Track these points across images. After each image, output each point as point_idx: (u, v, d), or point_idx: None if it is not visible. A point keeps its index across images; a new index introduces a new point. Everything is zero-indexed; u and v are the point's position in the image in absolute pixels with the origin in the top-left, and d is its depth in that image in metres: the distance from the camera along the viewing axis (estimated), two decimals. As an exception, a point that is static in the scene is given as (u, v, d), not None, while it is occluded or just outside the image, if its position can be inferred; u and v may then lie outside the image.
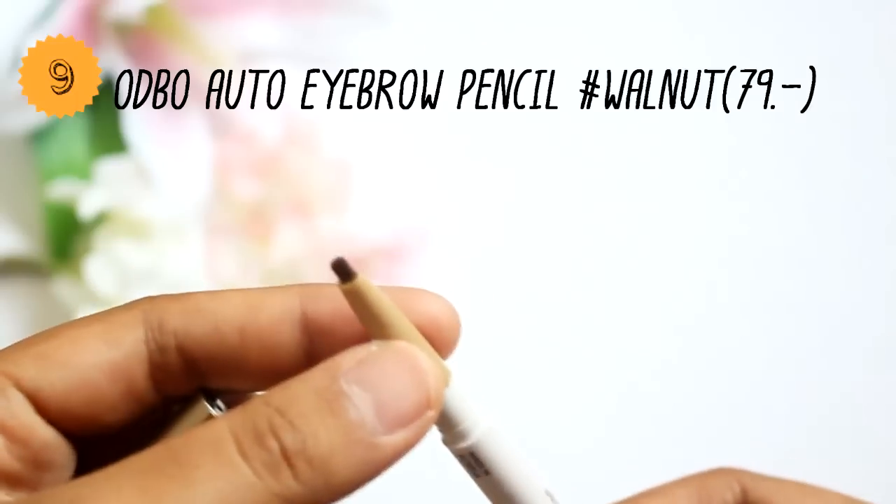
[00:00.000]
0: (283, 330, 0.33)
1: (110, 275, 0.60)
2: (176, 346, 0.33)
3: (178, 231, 0.61)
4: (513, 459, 0.33)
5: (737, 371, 0.65)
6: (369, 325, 0.31)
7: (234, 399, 0.35)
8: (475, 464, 0.33)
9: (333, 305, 0.34)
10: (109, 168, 0.62)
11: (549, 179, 0.69)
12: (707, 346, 0.66)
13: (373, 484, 0.31)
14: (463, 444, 0.32)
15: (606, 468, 0.63)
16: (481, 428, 0.32)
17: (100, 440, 0.34)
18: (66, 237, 0.63)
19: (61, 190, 0.62)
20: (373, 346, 0.31)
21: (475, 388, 0.62)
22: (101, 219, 0.61)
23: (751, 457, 0.63)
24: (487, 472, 0.33)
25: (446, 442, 0.33)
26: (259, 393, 0.33)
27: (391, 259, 0.64)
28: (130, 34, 0.65)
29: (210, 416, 0.34)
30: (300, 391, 0.30)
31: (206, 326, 0.33)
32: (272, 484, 0.29)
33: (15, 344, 0.33)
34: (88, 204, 0.60)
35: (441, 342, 0.34)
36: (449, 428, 0.32)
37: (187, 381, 0.34)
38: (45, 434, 0.33)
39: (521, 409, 0.64)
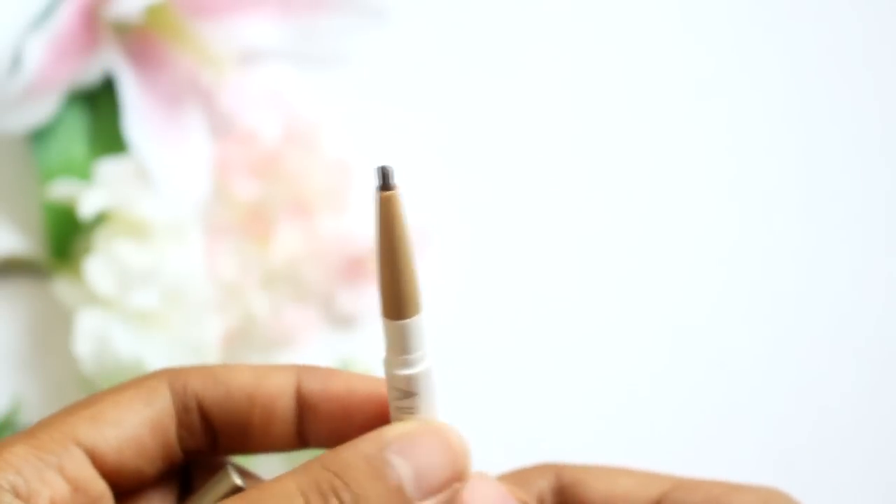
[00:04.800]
0: (282, 399, 0.39)
1: (110, 275, 0.60)
2: (197, 407, 0.39)
3: (178, 231, 0.61)
4: (433, 405, 0.38)
5: (735, 371, 0.65)
6: (383, 238, 0.35)
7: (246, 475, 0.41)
8: (410, 388, 0.37)
9: (323, 385, 0.39)
10: (109, 168, 0.62)
11: (551, 179, 0.69)
12: (705, 347, 0.66)
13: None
14: (406, 371, 0.37)
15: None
16: (426, 363, 0.37)
17: (134, 498, 0.40)
18: (66, 237, 0.63)
19: (61, 190, 0.62)
20: (413, 422, 0.37)
21: (473, 387, 0.62)
22: (100, 219, 0.61)
23: (751, 457, 0.63)
24: (416, 394, 0.37)
25: (393, 365, 0.37)
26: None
27: (391, 259, 0.64)
28: (130, 34, 0.65)
29: (235, 483, 0.39)
30: (353, 457, 0.36)
31: (220, 391, 0.39)
32: None
33: (66, 409, 0.39)
34: (88, 204, 0.60)
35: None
36: (401, 353, 0.37)
37: (204, 440, 0.39)
38: (100, 486, 0.38)
39: (520, 408, 0.64)
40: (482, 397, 0.63)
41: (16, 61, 0.62)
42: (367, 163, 0.66)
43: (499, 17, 0.72)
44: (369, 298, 0.64)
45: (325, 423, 0.39)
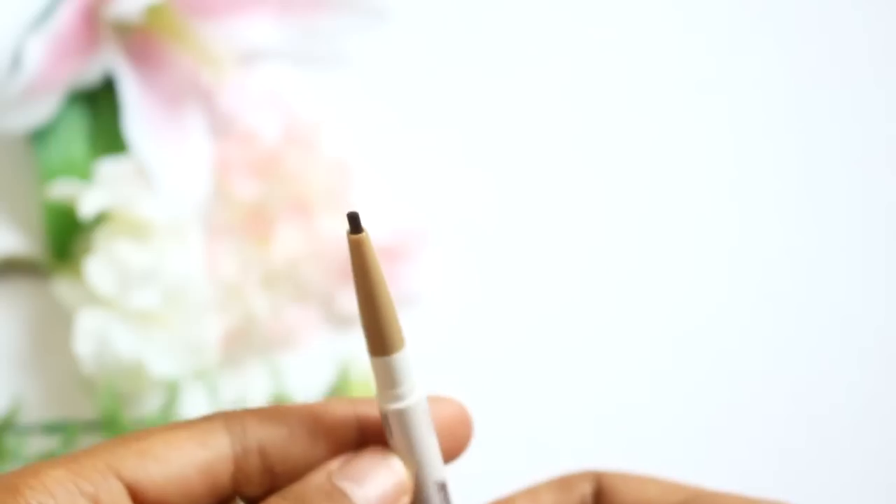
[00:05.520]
0: (345, 429, 0.40)
1: (110, 275, 0.60)
2: (258, 449, 0.39)
3: (178, 231, 0.61)
4: (424, 437, 0.39)
5: (736, 373, 0.65)
6: (358, 279, 0.38)
7: None
8: (401, 421, 0.39)
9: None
10: (109, 168, 0.62)
11: (551, 179, 0.69)
12: (706, 348, 0.66)
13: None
14: (394, 406, 0.39)
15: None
16: (414, 397, 0.39)
17: None
18: (66, 237, 0.63)
19: (61, 190, 0.62)
20: (351, 453, 0.39)
21: (475, 387, 0.62)
22: (101, 219, 0.61)
23: (751, 459, 0.63)
24: (403, 437, 0.39)
25: (384, 400, 0.39)
26: None
27: (391, 259, 0.64)
28: (130, 34, 0.65)
29: None
30: (307, 489, 0.38)
31: (281, 431, 0.39)
32: None
33: (116, 439, 0.38)
34: (88, 204, 0.60)
35: (455, 443, 0.41)
36: (389, 387, 0.39)
37: (261, 481, 0.40)
38: None
39: (520, 409, 0.64)
40: (483, 397, 0.63)
41: (16, 61, 0.62)
42: (366, 163, 0.67)
43: (499, 16, 0.72)
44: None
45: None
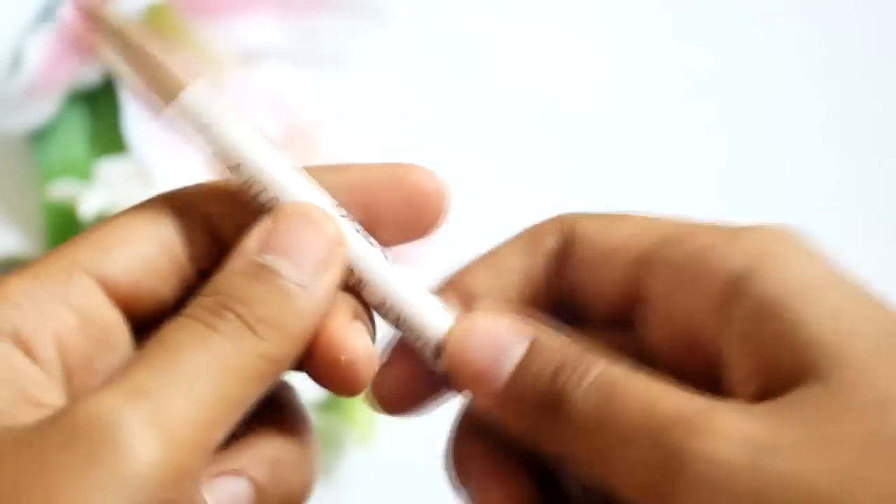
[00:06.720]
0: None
1: (110, 275, 0.60)
2: (202, 221, 0.36)
3: (178, 231, 0.61)
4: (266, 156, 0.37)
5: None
6: (132, 67, 0.35)
7: None
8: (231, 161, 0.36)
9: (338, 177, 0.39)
10: (109, 168, 0.62)
11: (552, 179, 0.69)
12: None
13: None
14: (220, 145, 0.36)
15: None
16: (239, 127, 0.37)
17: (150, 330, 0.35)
18: (66, 237, 0.63)
19: (61, 190, 0.62)
20: (266, 219, 0.35)
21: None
22: (101, 219, 0.61)
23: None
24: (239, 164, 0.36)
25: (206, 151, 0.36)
26: None
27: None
28: (130, 34, 0.65)
29: None
30: (227, 278, 0.34)
31: (224, 201, 0.37)
32: (245, 345, 0.33)
33: (72, 239, 0.36)
34: (88, 204, 0.60)
35: (428, 212, 0.39)
36: (203, 131, 0.36)
37: (212, 255, 0.36)
38: (111, 315, 0.35)
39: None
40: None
41: (16, 61, 0.62)
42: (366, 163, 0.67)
43: (499, 16, 0.72)
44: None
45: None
